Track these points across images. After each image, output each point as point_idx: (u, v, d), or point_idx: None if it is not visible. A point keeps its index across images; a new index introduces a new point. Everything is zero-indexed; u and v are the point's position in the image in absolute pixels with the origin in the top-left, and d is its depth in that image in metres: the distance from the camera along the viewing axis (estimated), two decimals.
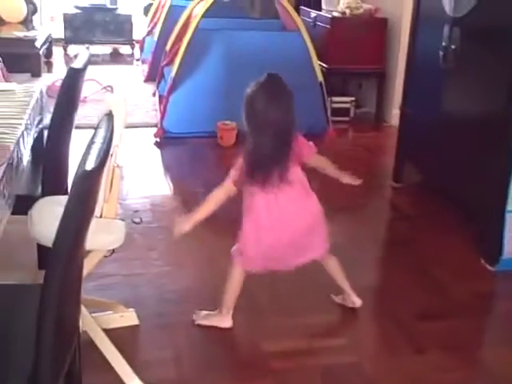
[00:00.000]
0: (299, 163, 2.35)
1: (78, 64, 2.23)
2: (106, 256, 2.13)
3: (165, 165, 4.40)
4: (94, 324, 2.14)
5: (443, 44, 3.33)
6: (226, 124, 4.57)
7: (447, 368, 2.31)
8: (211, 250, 3.01)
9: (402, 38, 5.00)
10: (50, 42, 7.06)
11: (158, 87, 5.52)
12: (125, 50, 7.83)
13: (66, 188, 2.33)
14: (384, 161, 4.40)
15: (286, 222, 2.34)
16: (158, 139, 4.68)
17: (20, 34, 6.29)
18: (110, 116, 1.48)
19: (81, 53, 2.40)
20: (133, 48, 7.70)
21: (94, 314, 2.24)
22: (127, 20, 7.65)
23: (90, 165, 1.20)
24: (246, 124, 2.27)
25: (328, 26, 5.29)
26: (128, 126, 4.75)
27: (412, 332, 2.51)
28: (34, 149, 2.35)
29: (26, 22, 6.84)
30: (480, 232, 3.14)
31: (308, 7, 5.89)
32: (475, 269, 3.01)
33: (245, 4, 6.17)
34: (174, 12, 5.72)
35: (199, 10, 4.79)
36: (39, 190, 2.36)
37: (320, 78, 4.89)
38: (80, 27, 7.52)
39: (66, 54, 7.49)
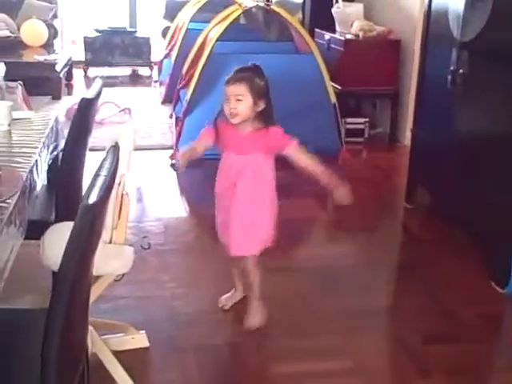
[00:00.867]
0: (272, 153, 2.52)
1: (90, 94, 2.32)
2: (116, 280, 2.19)
3: (180, 187, 4.44)
4: (104, 346, 2.19)
5: (451, 68, 3.37)
6: None
7: None
8: (224, 272, 3.05)
9: (415, 59, 5.02)
10: (71, 64, 7.22)
11: (174, 109, 5.60)
12: (143, 71, 7.95)
13: None
14: (398, 181, 4.42)
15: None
16: (173, 161, 4.74)
17: (41, 57, 6.44)
18: (115, 148, 1.55)
19: (94, 82, 2.49)
20: (151, 70, 7.81)
21: (105, 336, 2.30)
22: (146, 42, 7.77)
23: (92, 198, 1.27)
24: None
25: (342, 49, 5.36)
26: (145, 148, 4.89)
27: (419, 355, 2.51)
28: (49, 173, 2.42)
29: (48, 46, 7.01)
30: (489, 254, 3.14)
31: (322, 29, 5.96)
32: (485, 292, 3.01)
33: (261, 26, 6.24)
34: (191, 35, 5.81)
35: (214, 34, 4.89)
36: (53, 215, 2.41)
37: (333, 99, 4.93)
38: (100, 50, 7.66)
39: (86, 76, 7.63)
